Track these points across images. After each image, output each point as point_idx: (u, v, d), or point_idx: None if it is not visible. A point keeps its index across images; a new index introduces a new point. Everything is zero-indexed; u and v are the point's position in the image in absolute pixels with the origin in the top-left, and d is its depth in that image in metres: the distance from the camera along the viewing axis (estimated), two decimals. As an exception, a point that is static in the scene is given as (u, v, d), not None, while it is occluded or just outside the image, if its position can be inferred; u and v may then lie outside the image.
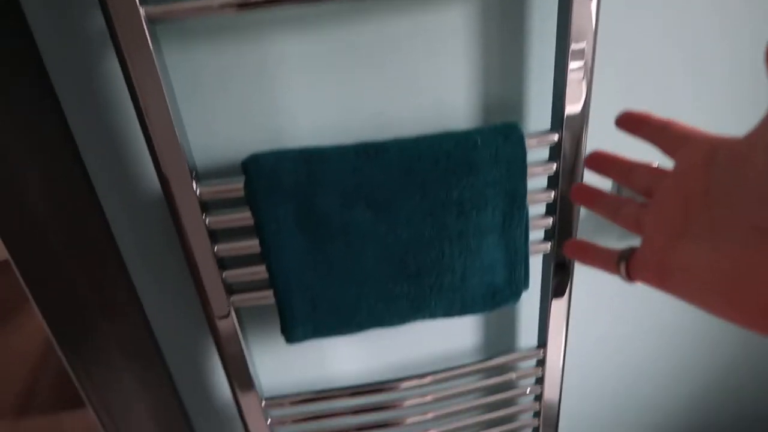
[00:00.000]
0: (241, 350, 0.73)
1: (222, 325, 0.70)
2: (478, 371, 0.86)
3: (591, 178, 0.79)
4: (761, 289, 0.26)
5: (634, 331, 0.97)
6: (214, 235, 0.65)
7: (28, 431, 1.74)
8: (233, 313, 0.70)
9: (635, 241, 0.35)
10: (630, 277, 0.35)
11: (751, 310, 0.27)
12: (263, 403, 0.80)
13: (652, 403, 1.10)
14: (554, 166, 0.68)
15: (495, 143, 0.63)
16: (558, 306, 0.81)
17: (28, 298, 0.74)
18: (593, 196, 0.39)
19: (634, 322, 0.96)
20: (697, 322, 0.99)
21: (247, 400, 0.79)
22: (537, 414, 0.95)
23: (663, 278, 0.32)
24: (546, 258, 0.78)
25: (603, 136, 0.75)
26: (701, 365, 1.06)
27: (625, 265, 0.35)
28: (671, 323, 0.98)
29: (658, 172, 0.34)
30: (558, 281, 0.78)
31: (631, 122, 0.37)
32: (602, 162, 0.39)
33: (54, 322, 0.72)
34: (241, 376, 0.76)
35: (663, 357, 1.02)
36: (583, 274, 0.88)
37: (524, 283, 0.74)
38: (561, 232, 0.74)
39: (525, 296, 0.87)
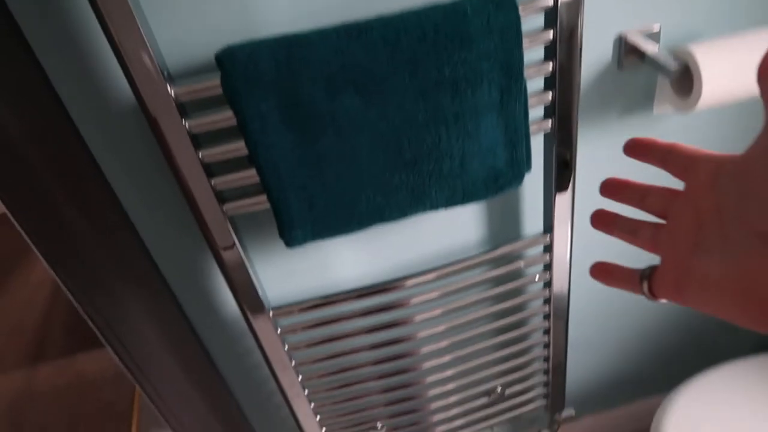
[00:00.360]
0: (242, 261, 0.71)
1: (219, 236, 0.68)
2: (484, 262, 0.85)
3: (591, 49, 0.74)
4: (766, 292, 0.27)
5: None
6: (197, 140, 0.61)
7: (47, 375, 1.77)
8: (229, 224, 0.67)
9: (655, 260, 0.37)
10: (653, 294, 0.36)
11: (761, 314, 0.28)
12: (271, 314, 0.79)
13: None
14: (551, 33, 0.64)
15: (486, 11, 0.58)
16: (563, 194, 0.79)
17: (29, 249, 0.72)
18: (612, 221, 0.41)
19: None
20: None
21: (254, 313, 0.78)
22: (547, 301, 0.94)
23: (681, 292, 0.33)
24: (547, 137, 0.75)
25: (602, 1, 0.70)
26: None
27: (648, 284, 0.37)
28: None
29: (671, 193, 0.36)
30: (561, 172, 0.76)
31: (637, 149, 0.39)
32: (616, 189, 0.41)
33: (53, 260, 0.69)
34: (245, 290, 0.75)
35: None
36: (586, 154, 0.85)
37: (526, 165, 0.71)
38: (561, 107, 0.70)
39: (528, 182, 0.85)
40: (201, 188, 0.63)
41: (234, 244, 0.69)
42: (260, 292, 0.76)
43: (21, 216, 0.65)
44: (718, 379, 1.03)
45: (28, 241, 0.69)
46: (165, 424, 0.93)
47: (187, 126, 0.59)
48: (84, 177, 0.67)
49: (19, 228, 0.66)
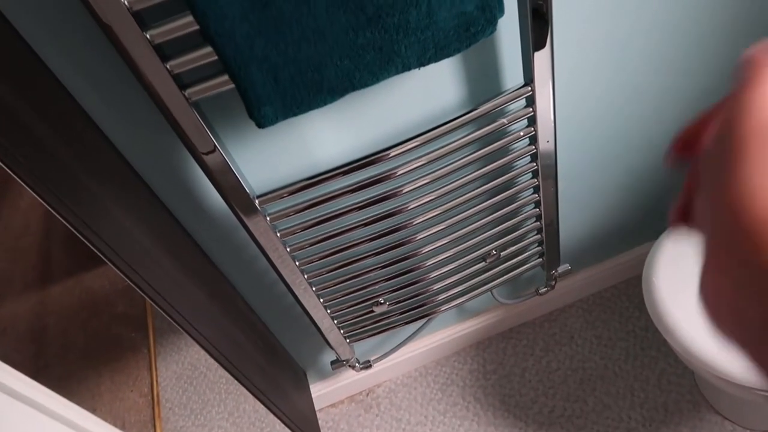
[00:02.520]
0: (220, 155, 0.69)
1: (190, 129, 0.65)
2: (466, 123, 0.82)
3: None
4: None
5: (626, 49, 0.91)
6: (141, 18, 0.56)
7: (58, 296, 1.79)
8: (194, 112, 0.64)
9: None
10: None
11: None
12: (257, 202, 0.78)
13: (648, 126, 1.08)
14: None
15: None
16: (541, 42, 0.75)
17: (9, 180, 0.69)
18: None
19: (624, 41, 0.90)
20: (690, 30, 0.92)
21: (241, 204, 0.76)
22: (534, 157, 0.93)
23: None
24: (518, -25, 0.70)
25: None
26: (696, 79, 1.02)
27: None
28: (665, 35, 0.92)
29: None
30: (536, 20, 0.71)
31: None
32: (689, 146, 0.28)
33: (26, 175, 0.66)
34: (229, 185, 0.73)
35: (657, 74, 0.98)
36: (562, 5, 0.80)
37: (499, 7, 0.66)
38: (530, -63, 0.65)
39: (503, 32, 0.80)
40: (155, 71, 0.59)
41: (215, 148, 0.67)
42: (244, 184, 0.74)
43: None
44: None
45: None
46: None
47: (126, 3, 0.54)
48: (46, 90, 0.63)
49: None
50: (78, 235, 0.77)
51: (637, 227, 1.34)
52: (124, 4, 0.54)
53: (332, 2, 0.57)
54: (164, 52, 0.59)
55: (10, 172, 0.67)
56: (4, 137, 0.62)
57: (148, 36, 0.57)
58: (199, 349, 1.03)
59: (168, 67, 0.59)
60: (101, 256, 0.81)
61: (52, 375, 1.66)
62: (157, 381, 1.54)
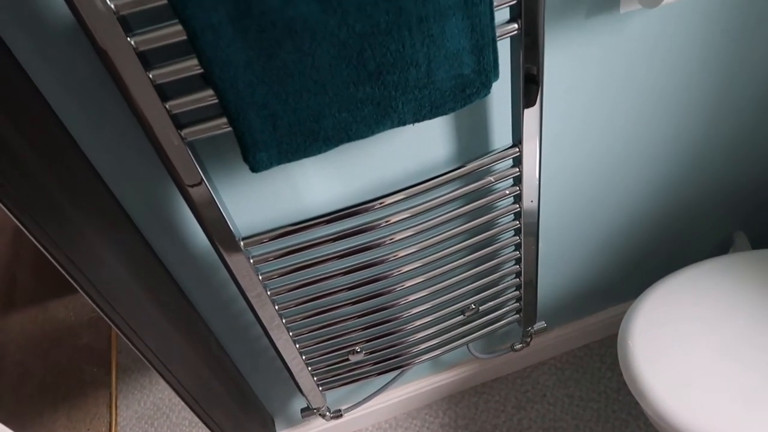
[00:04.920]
0: (210, 196, 0.68)
1: (178, 162, 0.64)
2: (454, 179, 0.83)
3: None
4: None
5: (610, 114, 0.94)
6: (146, 59, 0.57)
7: (19, 323, 1.73)
8: (189, 151, 0.64)
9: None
10: None
11: None
12: (242, 244, 0.77)
13: (629, 190, 1.11)
14: (514, -76, 0.60)
15: None
16: (531, 107, 0.77)
17: None
18: None
19: (609, 106, 0.93)
20: (671, 99, 0.96)
21: (225, 244, 0.75)
22: (517, 215, 0.94)
23: None
24: (514, 42, 0.72)
25: None
26: (675, 144, 1.06)
27: None
28: (647, 104, 0.95)
29: None
30: (528, 81, 0.74)
31: None
32: None
33: (9, 201, 0.65)
34: (214, 223, 0.72)
35: (638, 142, 1.01)
36: (553, 61, 0.83)
37: (494, 72, 0.69)
38: (528, 8, 0.67)
39: (495, 94, 0.83)
40: (154, 112, 0.59)
41: (201, 180, 0.66)
42: (230, 223, 0.74)
43: None
44: (681, 282, 1.06)
45: None
46: (144, 364, 0.92)
47: (133, 43, 0.54)
48: (27, 106, 0.62)
49: None
50: (52, 260, 0.75)
51: (614, 287, 1.36)
52: (131, 44, 0.54)
53: (336, 57, 0.58)
54: (165, 91, 0.60)
55: None
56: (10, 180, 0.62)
57: (150, 76, 0.57)
58: (163, 388, 1.00)
59: (167, 106, 0.60)
60: (74, 283, 0.79)
61: (4, 407, 1.59)
62: (116, 420, 1.48)
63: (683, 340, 0.98)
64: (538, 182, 0.89)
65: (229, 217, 0.75)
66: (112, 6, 0.52)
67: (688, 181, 1.15)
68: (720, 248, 1.36)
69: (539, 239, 0.99)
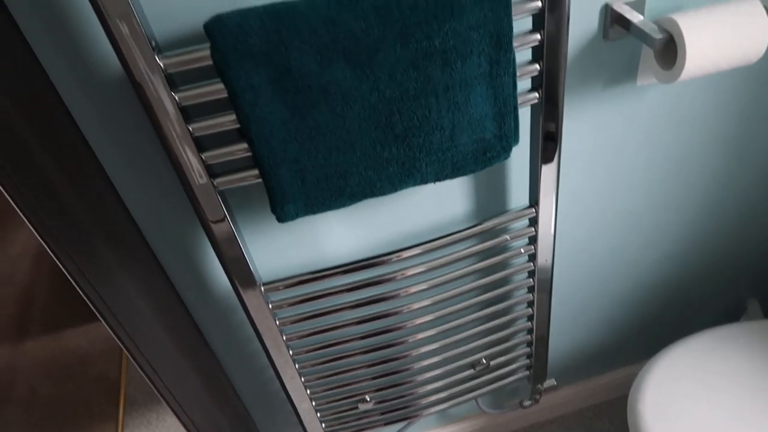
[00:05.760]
0: (237, 243, 0.71)
1: (209, 210, 0.67)
2: (470, 236, 0.86)
3: (578, 20, 0.75)
4: None
5: (625, 181, 0.97)
6: (187, 113, 0.60)
7: (32, 351, 1.75)
8: (219, 198, 0.67)
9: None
10: None
11: None
12: (262, 289, 0.79)
13: (641, 254, 1.12)
14: (539, 2, 0.64)
15: (476, -19, 0.58)
16: (548, 166, 0.80)
17: (8, 222, 0.71)
18: None
19: (624, 173, 0.95)
20: (686, 169, 0.99)
21: (245, 287, 0.78)
22: (531, 274, 0.96)
23: None
24: (534, 109, 0.75)
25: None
26: (689, 212, 1.07)
27: None
28: (661, 172, 0.98)
29: None
30: (547, 144, 0.76)
31: None
32: None
33: (42, 228, 0.68)
34: (236, 264, 0.75)
35: (653, 206, 1.03)
36: (571, 128, 0.86)
37: (514, 137, 0.72)
38: (549, 79, 0.71)
39: (514, 154, 0.86)
40: (191, 162, 0.62)
41: (224, 217, 0.69)
42: (251, 267, 0.76)
43: (11, 187, 0.64)
44: (693, 347, 1.06)
45: (21, 213, 0.68)
46: (153, 397, 0.94)
47: (176, 98, 0.58)
48: (70, 147, 0.66)
49: (10, 200, 0.65)
50: (80, 292, 0.78)
51: (625, 348, 1.35)
52: (175, 99, 0.58)
53: (365, 119, 0.62)
54: (202, 143, 0.63)
55: (25, 218, 0.69)
56: (28, 189, 0.65)
57: (190, 128, 0.60)
58: (170, 426, 1.01)
59: (203, 157, 0.63)
60: (98, 315, 0.81)
61: (11, 433, 1.59)
62: (121, 454, 1.48)
63: (693, 407, 0.97)
64: (552, 242, 0.91)
65: (251, 261, 0.77)
66: (162, 65, 0.56)
67: (701, 246, 1.16)
68: (733, 313, 1.36)
69: (552, 296, 1.01)
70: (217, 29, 0.54)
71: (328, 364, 0.94)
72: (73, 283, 0.78)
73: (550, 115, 0.74)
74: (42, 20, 0.58)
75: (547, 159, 0.79)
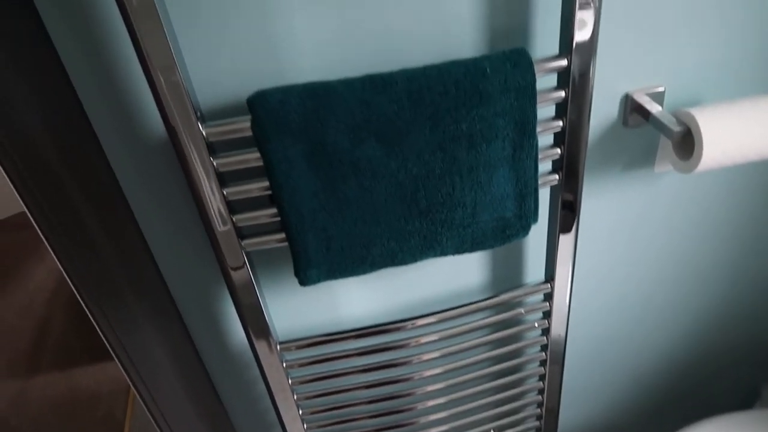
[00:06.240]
0: (255, 294, 0.73)
1: (234, 269, 0.70)
2: (484, 308, 0.87)
3: (599, 107, 0.78)
4: None
5: (640, 262, 0.98)
6: (223, 178, 0.63)
7: (41, 387, 1.75)
8: (245, 258, 0.70)
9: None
10: None
11: None
12: (278, 347, 0.80)
13: (656, 334, 1.12)
14: (562, 93, 0.67)
15: (504, 70, 0.62)
16: (565, 240, 0.81)
17: (30, 255, 0.74)
18: None
19: (640, 254, 0.97)
20: (701, 253, 1.00)
21: (262, 345, 0.79)
22: (544, 347, 0.96)
23: None
24: (554, 190, 0.78)
25: (612, 61, 0.74)
26: (704, 296, 1.08)
27: None
28: (676, 255, 0.99)
29: None
30: (565, 216, 0.78)
31: None
32: None
33: (72, 271, 0.71)
34: (255, 322, 0.76)
35: (667, 288, 1.04)
36: (590, 208, 0.88)
37: (534, 217, 0.74)
38: (569, 163, 0.73)
39: (532, 228, 0.88)
40: (223, 225, 0.65)
41: (244, 263, 0.71)
42: (269, 322, 0.78)
43: (47, 226, 0.67)
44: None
45: (53, 252, 0.71)
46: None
47: (215, 164, 0.61)
48: (108, 196, 0.69)
49: (44, 239, 0.68)
50: (102, 337, 0.80)
51: (635, 427, 1.33)
52: (213, 164, 0.61)
53: (392, 194, 0.64)
54: (234, 207, 0.66)
55: (55, 257, 0.72)
56: (63, 232, 0.68)
57: (225, 192, 0.64)
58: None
59: (234, 219, 0.66)
60: (114, 356, 0.83)
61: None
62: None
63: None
64: (566, 317, 0.92)
65: (269, 316, 0.79)
66: (204, 133, 0.59)
67: (715, 330, 1.15)
68: (747, 400, 1.34)
69: (564, 370, 1.00)
70: (259, 104, 0.58)
71: (336, 426, 0.94)
72: (95, 325, 0.80)
73: (569, 188, 0.76)
74: (95, 81, 0.62)
75: (565, 229, 0.80)
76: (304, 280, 0.69)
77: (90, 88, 0.62)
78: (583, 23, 0.63)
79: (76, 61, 0.60)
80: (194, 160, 0.61)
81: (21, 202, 0.65)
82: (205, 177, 0.62)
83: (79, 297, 0.76)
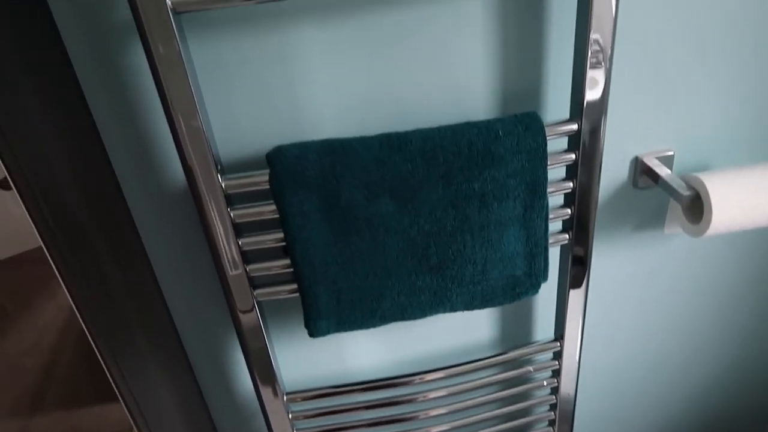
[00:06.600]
0: (264, 344, 0.73)
1: (245, 318, 0.71)
2: (494, 365, 0.86)
3: (609, 169, 0.79)
4: None
5: (650, 322, 0.97)
6: (239, 229, 0.65)
7: (43, 428, 1.74)
8: (257, 307, 0.70)
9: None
10: None
11: None
12: (285, 398, 0.80)
13: (665, 394, 1.10)
14: (573, 155, 0.69)
15: (516, 133, 0.64)
16: (575, 297, 0.81)
17: (41, 291, 0.75)
18: None
19: (649, 314, 0.96)
20: (711, 315, 0.99)
21: (268, 395, 0.79)
22: (553, 406, 0.95)
23: None
24: (564, 249, 0.78)
25: (622, 125, 0.76)
26: (714, 357, 1.06)
27: None
28: (686, 315, 0.98)
29: None
30: (575, 272, 0.79)
31: None
32: None
33: (85, 310, 0.72)
34: (263, 370, 0.77)
35: (677, 348, 1.03)
36: (600, 267, 0.88)
37: (543, 275, 0.74)
38: (579, 223, 0.74)
39: (542, 287, 0.88)
40: (236, 274, 0.66)
41: (260, 325, 0.72)
42: (276, 372, 0.78)
43: (64, 265, 0.68)
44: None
45: (66, 289, 0.72)
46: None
47: (231, 215, 0.63)
48: (125, 240, 0.71)
49: (59, 277, 0.69)
50: (112, 382, 0.80)
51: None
52: (230, 216, 0.63)
53: (403, 249, 0.65)
54: (248, 257, 0.67)
55: (70, 297, 0.73)
56: (80, 271, 0.69)
57: (240, 242, 0.65)
58: None
59: (248, 269, 0.67)
60: (120, 398, 0.82)
61: None
62: None
63: None
64: (576, 377, 0.91)
65: (277, 367, 0.79)
66: (223, 185, 0.61)
67: (727, 391, 1.13)
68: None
69: (573, 430, 0.99)
70: (277, 159, 0.60)
71: (339, 481, 0.93)
72: (103, 364, 0.80)
73: (580, 244, 0.77)
74: (122, 131, 0.64)
75: (576, 284, 0.81)
76: (314, 331, 0.69)
77: (115, 136, 0.65)
78: (594, 86, 0.65)
79: (103, 109, 0.63)
80: (212, 211, 0.62)
81: (39, 237, 0.66)
82: (221, 227, 0.63)
83: (88, 334, 0.77)
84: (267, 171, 0.62)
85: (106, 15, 0.58)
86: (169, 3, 0.52)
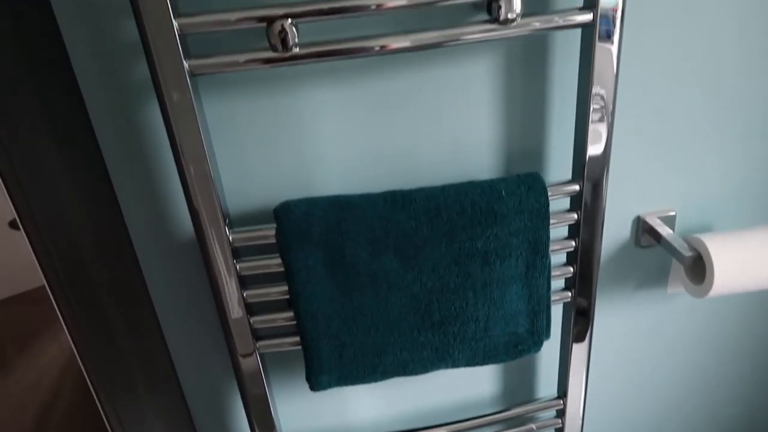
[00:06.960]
0: (264, 391, 0.73)
1: (247, 369, 0.71)
2: (496, 422, 0.85)
3: (611, 228, 0.80)
4: None
5: (653, 379, 0.96)
6: (244, 280, 0.66)
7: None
8: (258, 358, 0.71)
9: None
10: None
11: None
12: (283, 452, 0.80)
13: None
14: (575, 215, 0.70)
15: (518, 193, 0.65)
16: (578, 352, 0.81)
17: (42, 330, 0.75)
18: None
19: (652, 371, 0.96)
20: (714, 373, 0.98)
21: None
22: (556, 465, 0.93)
23: None
24: (566, 306, 0.79)
25: (624, 184, 0.77)
26: (717, 415, 1.05)
27: None
28: (689, 374, 0.97)
29: None
30: (579, 326, 0.79)
31: None
32: None
33: (85, 351, 0.72)
34: (262, 418, 0.76)
35: (680, 406, 1.02)
36: (602, 324, 0.88)
37: (546, 333, 0.74)
38: (581, 280, 0.75)
39: (545, 344, 0.88)
40: (239, 325, 0.67)
41: (259, 371, 0.72)
42: (276, 424, 0.77)
43: (66, 307, 0.69)
44: None
45: (69, 334, 0.72)
46: None
47: (238, 268, 0.64)
48: (131, 288, 0.72)
49: (61, 320, 0.70)
50: (106, 421, 0.79)
51: None
52: (236, 269, 0.64)
53: (406, 305, 0.66)
54: (252, 309, 0.68)
55: (63, 323, 0.73)
56: (82, 319, 0.70)
57: (245, 294, 0.66)
58: None
59: (251, 320, 0.68)
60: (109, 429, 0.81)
61: None
62: None
63: None
64: (579, 434, 0.89)
65: (277, 417, 0.78)
66: (231, 238, 0.63)
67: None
68: None
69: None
70: (284, 215, 0.61)
71: None
72: (101, 412, 0.79)
73: (581, 312, 0.77)
74: (133, 180, 0.66)
75: (579, 339, 0.80)
76: (315, 385, 0.69)
77: (127, 184, 0.66)
78: (596, 141, 0.66)
79: (117, 162, 0.65)
80: (218, 262, 0.63)
81: (42, 277, 0.67)
82: (227, 278, 0.64)
83: (87, 379, 0.77)
84: (274, 225, 0.63)
85: (125, 73, 0.61)
86: (187, 66, 0.54)
